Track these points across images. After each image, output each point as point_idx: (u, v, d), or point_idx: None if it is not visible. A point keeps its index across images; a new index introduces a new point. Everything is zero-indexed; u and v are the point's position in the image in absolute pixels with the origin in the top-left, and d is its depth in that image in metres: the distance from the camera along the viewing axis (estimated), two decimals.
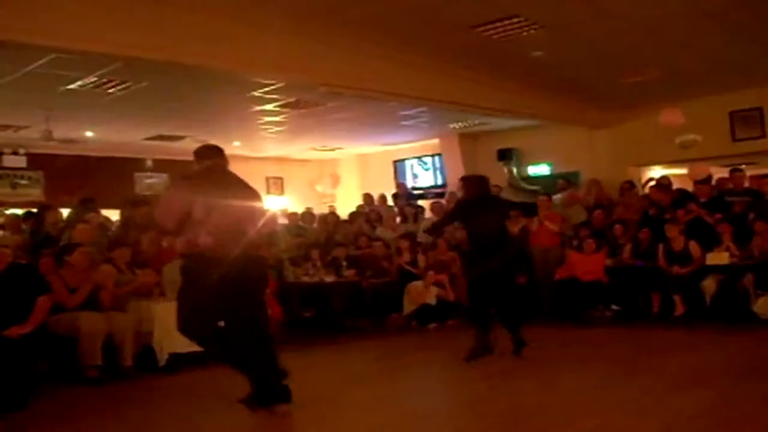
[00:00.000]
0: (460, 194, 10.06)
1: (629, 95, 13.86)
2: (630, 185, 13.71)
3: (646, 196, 13.10)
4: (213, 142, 16.47)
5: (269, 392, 5.90)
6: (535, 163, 17.28)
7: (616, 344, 9.33)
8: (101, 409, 6.00)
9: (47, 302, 7.41)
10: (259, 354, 5.94)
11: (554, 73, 12.18)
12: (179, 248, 6.38)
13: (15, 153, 15.82)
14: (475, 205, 8.46)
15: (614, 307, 11.28)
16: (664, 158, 14.95)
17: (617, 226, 11.85)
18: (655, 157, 15.19)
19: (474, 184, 8.71)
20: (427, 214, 14.71)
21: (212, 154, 6.30)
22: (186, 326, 5.85)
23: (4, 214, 13.83)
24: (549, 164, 17.08)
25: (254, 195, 6.36)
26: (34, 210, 12.24)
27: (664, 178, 13.46)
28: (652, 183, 13.60)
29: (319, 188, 20.70)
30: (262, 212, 6.37)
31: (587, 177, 15.35)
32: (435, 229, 10.64)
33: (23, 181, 16.23)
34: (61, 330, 7.65)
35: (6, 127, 13.93)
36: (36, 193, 16.27)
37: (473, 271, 8.55)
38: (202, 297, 5.76)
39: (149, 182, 17.88)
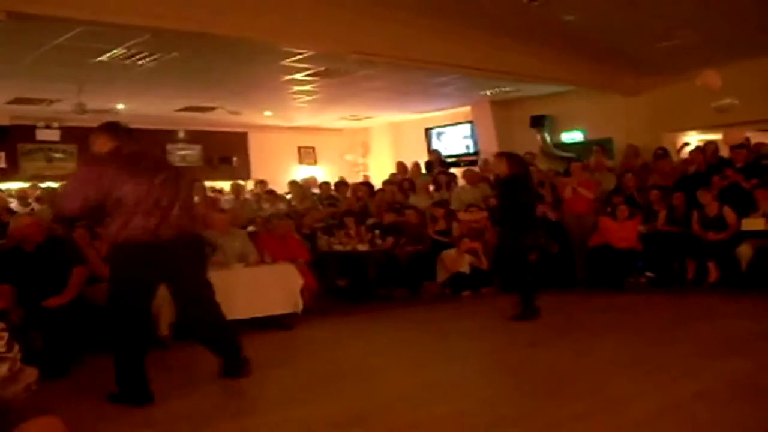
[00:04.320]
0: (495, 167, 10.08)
1: (664, 60, 13.67)
2: (663, 152, 13.55)
3: (682, 162, 12.97)
4: (245, 112, 16.87)
5: (232, 366, 5.96)
6: (569, 129, 17.15)
7: (651, 311, 9.28)
8: None
9: (83, 273, 7.48)
10: (217, 331, 6.03)
11: (587, 37, 12.03)
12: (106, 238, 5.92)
13: (48, 127, 15.96)
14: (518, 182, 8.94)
15: (649, 274, 11.17)
16: (699, 123, 14.75)
17: (654, 192, 11.71)
18: (691, 122, 14.99)
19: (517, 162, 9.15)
20: (460, 182, 14.65)
21: (118, 134, 5.83)
22: (117, 315, 5.73)
23: (40, 188, 13.99)
24: (582, 131, 16.94)
25: (174, 171, 5.99)
26: None
27: (711, 143, 13.23)
28: (689, 147, 13.44)
29: (348, 157, 20.71)
30: (187, 188, 6.02)
31: (621, 143, 15.21)
32: None
33: (58, 155, 16.36)
34: (98, 300, 7.71)
35: (39, 101, 14.06)
36: (71, 166, 16.37)
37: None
38: (133, 287, 5.67)
39: (182, 153, 17.99)
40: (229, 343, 6.09)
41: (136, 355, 5.71)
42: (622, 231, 11.30)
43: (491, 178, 13.87)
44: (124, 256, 5.62)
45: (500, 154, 9.41)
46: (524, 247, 8.91)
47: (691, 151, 13.11)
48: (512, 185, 8.94)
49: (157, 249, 5.57)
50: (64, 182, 5.74)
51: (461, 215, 11.60)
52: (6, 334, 1.92)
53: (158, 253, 5.58)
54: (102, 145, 5.77)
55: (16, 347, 1.94)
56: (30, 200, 13.42)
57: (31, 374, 1.96)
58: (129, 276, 5.65)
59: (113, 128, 5.91)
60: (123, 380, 5.68)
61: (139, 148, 5.90)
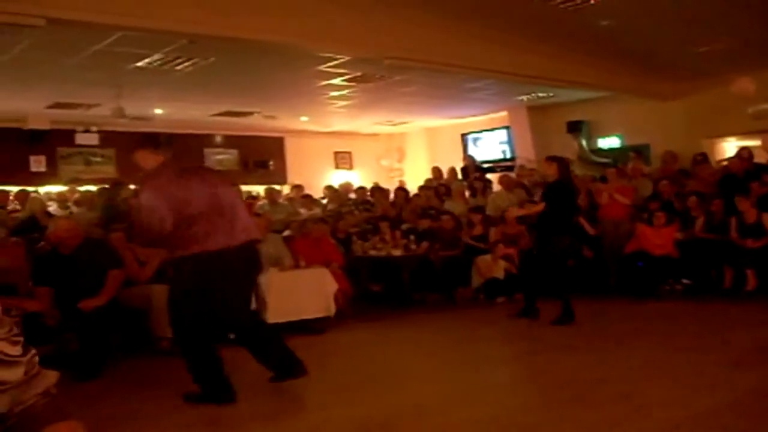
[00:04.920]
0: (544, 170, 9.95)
1: (701, 65, 13.53)
2: (703, 157, 13.42)
3: (722, 168, 12.82)
4: (281, 117, 16.94)
5: (287, 367, 5.92)
6: (606, 135, 17.04)
7: (686, 318, 9.19)
8: (172, 379, 6.12)
9: (119, 276, 7.55)
10: (269, 334, 6.06)
11: (624, 43, 11.95)
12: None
13: (87, 131, 16.15)
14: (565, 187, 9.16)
15: (685, 281, 11.06)
16: (737, 130, 14.58)
17: (692, 198, 11.60)
18: (729, 128, 14.82)
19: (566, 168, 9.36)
20: (496, 187, 14.62)
21: (165, 146, 5.87)
22: (184, 330, 5.77)
23: (79, 191, 14.16)
24: (619, 136, 16.82)
25: (226, 179, 6.14)
26: (107, 186, 12.49)
27: (744, 149, 13.09)
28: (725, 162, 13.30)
29: (384, 162, 20.75)
30: (239, 192, 6.04)
31: (658, 149, 15.07)
32: None
33: (96, 159, 16.55)
34: (133, 303, 7.79)
35: (78, 105, 14.22)
36: (109, 170, 16.58)
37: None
38: (206, 296, 5.65)
39: (219, 158, 18.11)
40: (277, 348, 6.03)
41: (212, 354, 5.77)
42: (659, 238, 11.20)
43: (527, 183, 13.84)
44: (198, 266, 5.58)
45: (551, 158, 9.38)
46: (562, 251, 8.98)
47: (731, 159, 12.95)
48: (561, 190, 9.00)
49: (229, 256, 5.58)
50: (138, 211, 5.68)
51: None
52: (22, 339, 1.95)
53: (229, 259, 5.59)
54: (148, 160, 5.76)
55: (33, 351, 1.96)
56: (69, 203, 13.58)
57: (50, 377, 1.98)
58: (203, 285, 5.63)
59: (154, 142, 5.90)
60: (205, 380, 5.74)
61: (189, 165, 5.99)
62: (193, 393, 5.76)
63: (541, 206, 8.90)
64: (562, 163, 9.21)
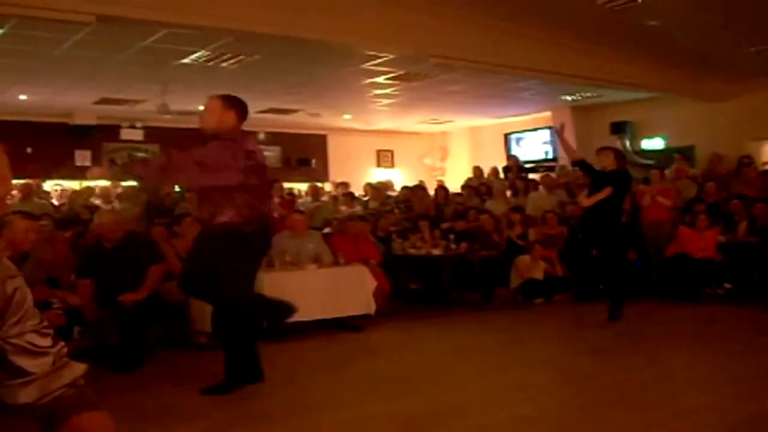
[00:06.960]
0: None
1: (750, 66, 13.36)
2: (749, 160, 13.23)
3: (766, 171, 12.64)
4: (325, 115, 16.96)
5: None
6: (650, 136, 16.90)
7: (726, 323, 9.10)
8: (210, 373, 6.16)
9: (160, 270, 7.61)
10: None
11: (671, 43, 11.85)
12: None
13: (132, 126, 16.33)
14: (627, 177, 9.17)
15: (727, 285, 10.92)
16: None
17: (735, 201, 11.45)
18: None
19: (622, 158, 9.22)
20: (539, 187, 14.55)
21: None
22: (237, 295, 5.70)
23: (122, 186, 14.30)
24: (664, 138, 16.68)
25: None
26: None
27: None
28: None
29: (427, 161, 20.75)
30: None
31: (703, 151, 14.90)
32: None
33: (141, 154, 16.70)
34: (172, 297, 7.85)
35: (124, 101, 14.40)
36: None
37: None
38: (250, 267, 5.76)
39: None
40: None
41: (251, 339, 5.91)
42: (701, 241, 11.07)
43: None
44: (250, 237, 5.56)
45: (606, 148, 9.25)
46: (624, 245, 9.23)
47: None
48: (623, 180, 8.95)
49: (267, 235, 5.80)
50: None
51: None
52: (51, 331, 2.00)
53: (266, 238, 5.82)
54: (232, 121, 5.73)
55: (61, 343, 2.01)
56: (112, 198, 13.72)
57: (77, 369, 2.02)
58: (248, 262, 5.71)
59: (244, 108, 5.80)
60: (236, 365, 5.81)
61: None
62: (212, 386, 5.81)
63: (608, 191, 8.73)
64: (618, 152, 9.19)
